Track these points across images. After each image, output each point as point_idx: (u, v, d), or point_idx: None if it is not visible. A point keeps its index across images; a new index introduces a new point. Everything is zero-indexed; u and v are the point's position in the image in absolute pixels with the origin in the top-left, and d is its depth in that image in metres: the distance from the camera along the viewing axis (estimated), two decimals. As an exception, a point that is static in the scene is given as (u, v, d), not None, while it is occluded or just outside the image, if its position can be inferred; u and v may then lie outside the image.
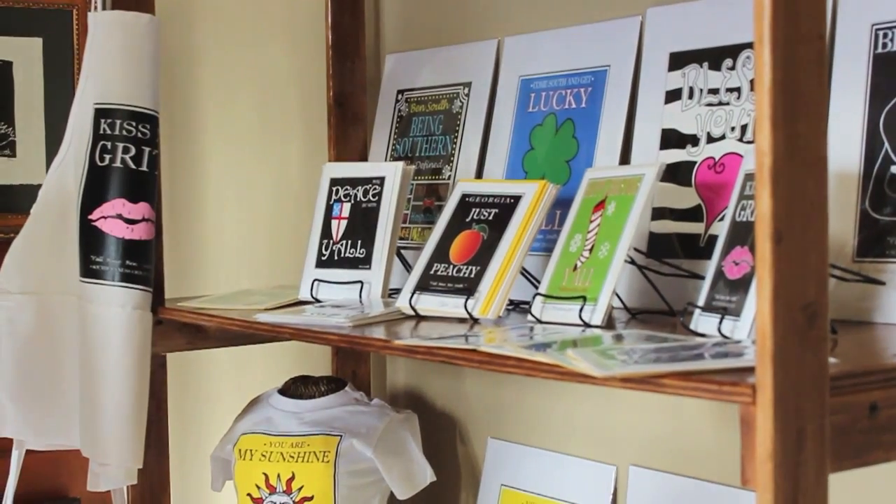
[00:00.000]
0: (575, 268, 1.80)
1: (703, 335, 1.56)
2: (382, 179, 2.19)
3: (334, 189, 2.25)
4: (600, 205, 1.82)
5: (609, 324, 1.73)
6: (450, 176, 2.38)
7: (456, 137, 2.39)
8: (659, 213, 1.95)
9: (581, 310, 1.73)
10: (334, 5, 2.60)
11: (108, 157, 2.20)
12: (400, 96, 2.55)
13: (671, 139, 1.97)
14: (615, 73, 2.10)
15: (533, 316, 1.83)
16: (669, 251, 1.92)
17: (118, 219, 2.19)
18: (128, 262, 2.19)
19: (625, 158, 2.04)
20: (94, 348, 2.18)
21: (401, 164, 2.20)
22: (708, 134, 1.92)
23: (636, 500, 2.08)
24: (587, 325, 1.72)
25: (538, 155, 2.21)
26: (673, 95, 1.98)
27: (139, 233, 2.20)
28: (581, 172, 1.95)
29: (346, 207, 2.22)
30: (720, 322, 1.53)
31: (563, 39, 2.22)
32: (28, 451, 2.30)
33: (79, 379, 2.22)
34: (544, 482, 2.25)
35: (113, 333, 2.17)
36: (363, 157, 2.60)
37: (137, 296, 2.20)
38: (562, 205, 1.98)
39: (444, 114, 2.43)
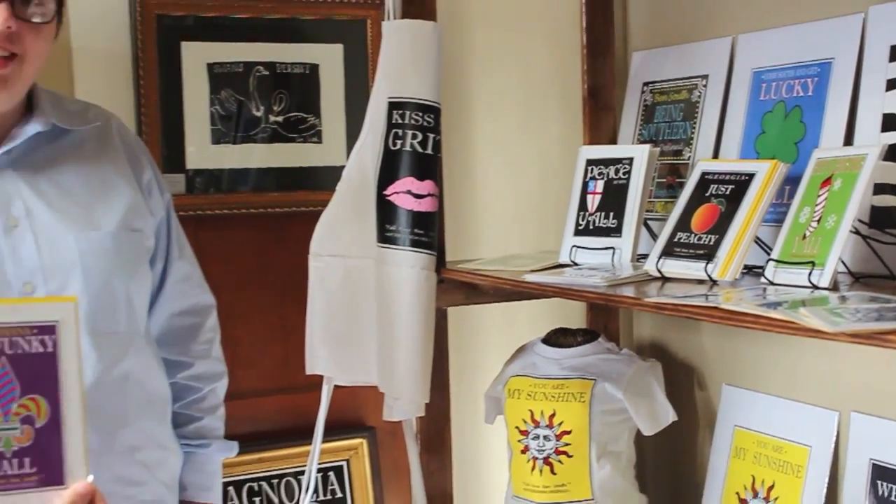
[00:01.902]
0: (804, 237, 1.80)
1: (922, 296, 1.55)
2: (631, 160, 2.22)
3: (589, 168, 2.28)
4: (827, 181, 1.81)
5: (834, 286, 1.72)
6: (689, 157, 2.38)
7: (695, 123, 2.39)
8: (880, 189, 1.92)
9: (810, 273, 1.73)
10: (588, 10, 2.61)
11: (399, 142, 2.24)
12: (645, 88, 2.56)
13: (892, 123, 1.93)
14: (839, 64, 2.07)
15: (766, 278, 1.83)
16: (890, 222, 1.89)
17: (408, 194, 2.22)
18: (416, 230, 2.21)
19: (848, 140, 2.01)
20: (389, 302, 2.22)
21: (647, 146, 2.22)
22: (926, 118, 1.88)
23: (857, 444, 2.05)
24: (815, 287, 1.72)
25: (769, 138, 2.19)
26: (893, 84, 1.94)
27: (425, 206, 2.23)
28: (808, 153, 1.94)
29: (600, 184, 2.25)
30: (938, 285, 1.51)
31: (791, 35, 2.19)
32: (335, 387, 2.35)
33: (376, 327, 2.27)
34: (773, 424, 2.24)
35: (404, 290, 2.20)
36: (613, 141, 2.61)
37: (424, 259, 2.21)
38: (790, 181, 1.97)
39: (684, 103, 2.43)
